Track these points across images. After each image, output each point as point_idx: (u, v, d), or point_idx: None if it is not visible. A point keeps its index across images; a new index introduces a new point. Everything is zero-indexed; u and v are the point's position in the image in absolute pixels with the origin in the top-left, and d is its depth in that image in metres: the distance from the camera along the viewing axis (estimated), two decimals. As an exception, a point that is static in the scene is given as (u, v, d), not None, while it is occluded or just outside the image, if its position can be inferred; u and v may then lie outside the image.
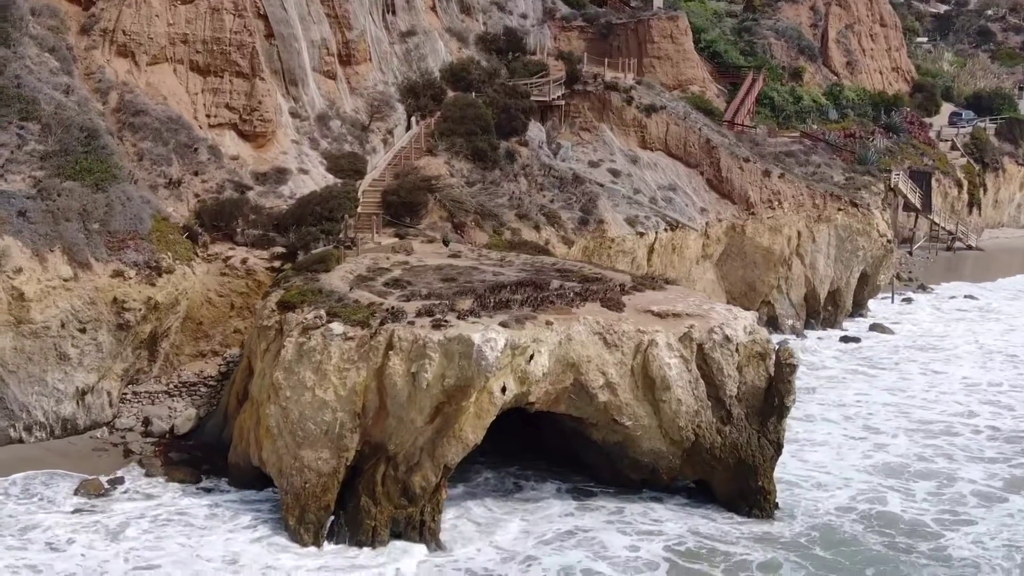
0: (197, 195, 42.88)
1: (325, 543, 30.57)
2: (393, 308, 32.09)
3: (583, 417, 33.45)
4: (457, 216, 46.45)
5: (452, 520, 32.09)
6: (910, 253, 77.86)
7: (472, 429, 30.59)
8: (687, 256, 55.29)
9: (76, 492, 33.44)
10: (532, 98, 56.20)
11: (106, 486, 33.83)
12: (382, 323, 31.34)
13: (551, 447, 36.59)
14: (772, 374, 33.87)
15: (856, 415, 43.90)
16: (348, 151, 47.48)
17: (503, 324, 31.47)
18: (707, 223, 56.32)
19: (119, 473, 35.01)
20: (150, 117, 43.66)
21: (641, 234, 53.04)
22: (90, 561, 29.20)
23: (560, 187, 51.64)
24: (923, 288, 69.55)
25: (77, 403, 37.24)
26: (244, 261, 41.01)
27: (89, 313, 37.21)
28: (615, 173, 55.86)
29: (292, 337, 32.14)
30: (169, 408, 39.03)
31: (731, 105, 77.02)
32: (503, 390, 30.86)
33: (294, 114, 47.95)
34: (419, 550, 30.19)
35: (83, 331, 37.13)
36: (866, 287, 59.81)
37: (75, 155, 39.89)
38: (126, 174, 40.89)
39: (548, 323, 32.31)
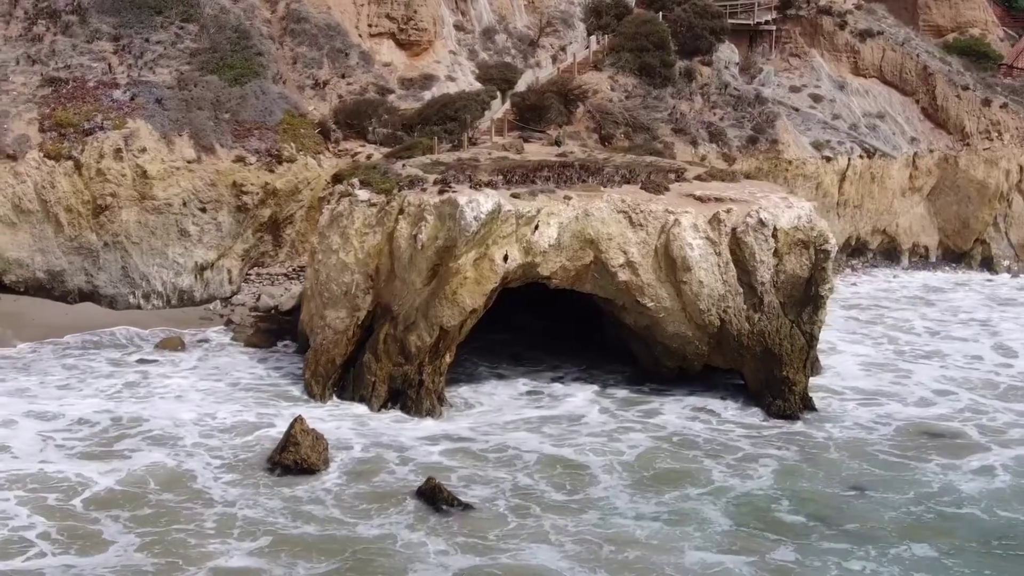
0: (340, 96, 45.13)
1: (333, 397, 31.82)
2: (413, 177, 32.83)
3: (612, 299, 32.87)
4: (605, 127, 46.25)
5: (462, 394, 32.60)
6: None
7: (470, 295, 30.87)
8: (888, 187, 52.22)
9: (156, 346, 36.42)
10: (735, 20, 54.67)
11: (185, 344, 36.55)
12: (400, 190, 32.17)
13: (611, 341, 36.07)
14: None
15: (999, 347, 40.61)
16: (501, 62, 48.29)
17: (514, 195, 31.54)
18: (916, 153, 52.85)
19: (208, 334, 37.74)
20: (310, 24, 46.37)
21: (828, 159, 50.61)
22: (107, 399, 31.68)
23: (735, 106, 50.16)
24: None
25: (196, 277, 40.33)
26: (369, 157, 42.77)
27: (210, 194, 40.25)
28: (816, 98, 53.53)
29: (329, 204, 33.59)
30: (285, 289, 41.49)
31: (1014, 50, 71.36)
32: (505, 258, 30.97)
33: (458, 27, 49.38)
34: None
35: (203, 210, 40.21)
36: (1105, 231, 54.07)
37: (222, 52, 43.13)
38: (272, 73, 43.71)
39: (567, 198, 32.02)
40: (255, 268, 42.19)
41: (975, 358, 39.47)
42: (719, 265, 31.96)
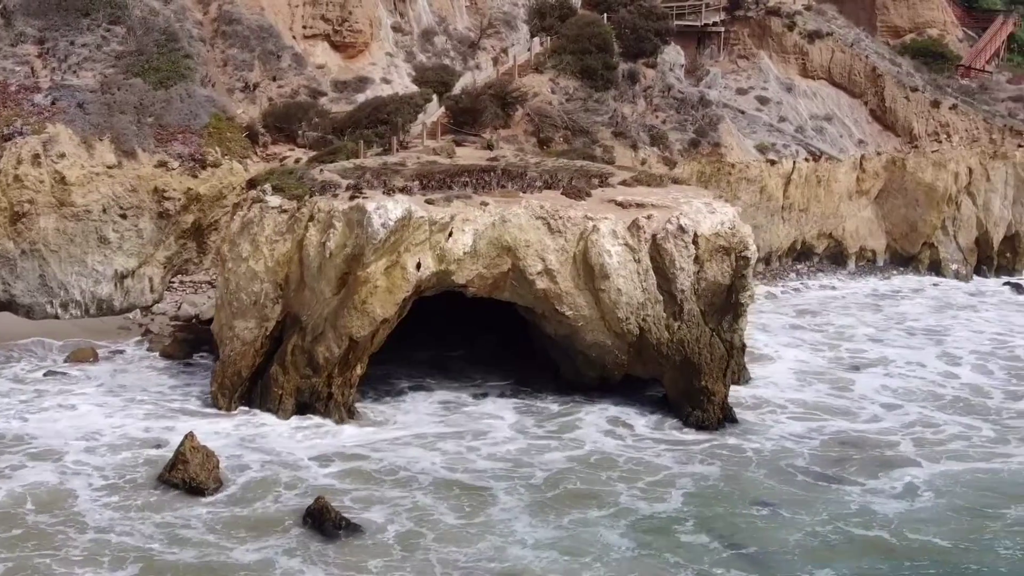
0: (271, 99, 44.14)
1: (239, 410, 30.84)
2: (327, 182, 31.88)
3: (531, 308, 31.98)
4: (544, 130, 45.34)
5: (375, 408, 31.63)
6: None
7: (381, 304, 29.94)
8: (835, 190, 51.41)
9: (67, 358, 35.33)
10: (682, 22, 53.89)
11: (97, 355, 35.46)
12: (311, 196, 31.21)
13: (539, 351, 35.15)
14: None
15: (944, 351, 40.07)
16: (438, 64, 47.39)
17: (429, 201, 30.63)
18: (863, 155, 52.10)
19: (123, 346, 36.68)
20: (242, 26, 45.33)
21: (773, 162, 49.84)
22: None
23: (678, 109, 49.36)
24: None
25: (115, 285, 39.17)
26: (297, 161, 41.79)
27: (131, 200, 39.13)
28: (763, 101, 52.76)
29: (241, 211, 32.61)
30: (209, 297, 40.41)
31: (972, 51, 70.74)
32: (418, 266, 30.05)
33: (396, 28, 48.44)
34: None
35: (124, 217, 39.09)
36: (1056, 234, 53.38)
37: (148, 55, 42.09)
38: (200, 75, 42.68)
39: (483, 204, 31.11)
40: (178, 276, 41.09)
41: (919, 367, 38.58)
42: (638, 272, 31.10)
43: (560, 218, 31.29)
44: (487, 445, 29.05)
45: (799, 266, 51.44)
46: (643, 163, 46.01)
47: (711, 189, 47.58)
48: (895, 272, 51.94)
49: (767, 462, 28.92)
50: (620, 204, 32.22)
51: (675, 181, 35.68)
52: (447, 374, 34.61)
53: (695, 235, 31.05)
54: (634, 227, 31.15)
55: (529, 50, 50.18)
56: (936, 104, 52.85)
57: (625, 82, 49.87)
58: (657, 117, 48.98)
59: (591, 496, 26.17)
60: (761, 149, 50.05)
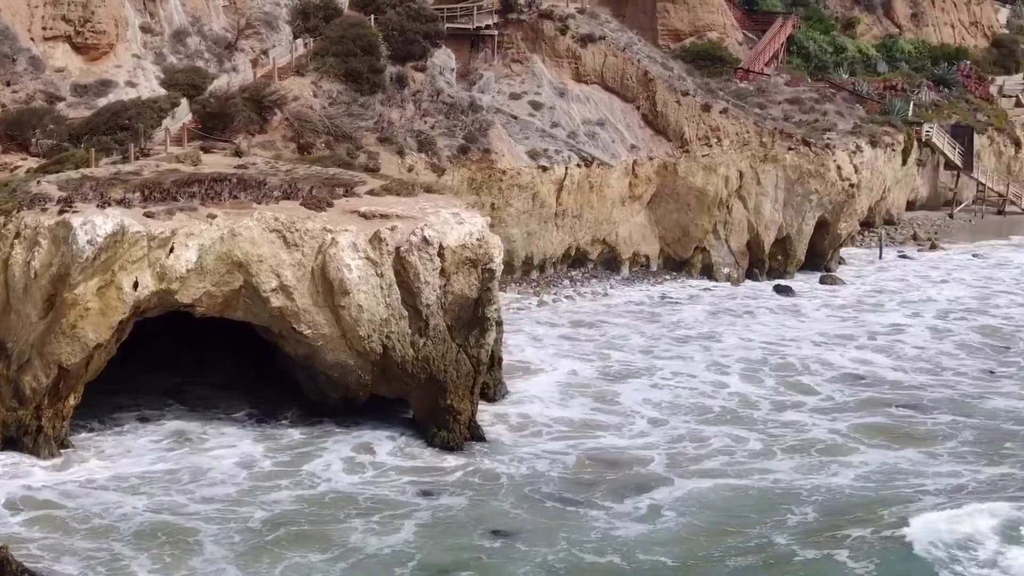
0: (4, 105, 40.88)
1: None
2: (38, 195, 29.21)
3: (269, 327, 29.91)
4: (304, 136, 43.22)
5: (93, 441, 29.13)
6: (950, 215, 70.50)
7: (94, 328, 27.49)
8: (608, 196, 50.65)
9: None
10: (454, 25, 52.44)
11: None
12: (19, 211, 28.50)
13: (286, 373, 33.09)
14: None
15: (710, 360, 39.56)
16: (190, 66, 44.83)
17: (148, 214, 28.28)
18: (635, 161, 51.52)
19: None
20: (-28, 27, 41.93)
21: (545, 168, 48.77)
22: None
23: (447, 114, 47.88)
24: (933, 247, 62.54)
25: None
26: (29, 170, 38.70)
27: None
28: (536, 106, 51.68)
29: (-56, 227, 29.60)
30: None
31: (751, 53, 71.41)
32: (135, 286, 27.66)
33: (146, 28, 45.67)
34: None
35: None
36: (826, 236, 53.64)
37: None
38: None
39: (211, 216, 28.91)
40: None
41: (689, 377, 37.87)
42: (381, 287, 29.38)
43: (297, 230, 29.35)
44: (205, 485, 26.82)
45: (573, 272, 50.54)
46: (410, 170, 44.39)
47: (482, 196, 46.61)
48: (668, 277, 51.49)
49: (516, 487, 27.56)
50: (363, 215, 30.47)
51: (428, 190, 34.02)
52: (185, 402, 32.25)
53: (441, 247, 29.52)
54: (376, 239, 29.43)
55: (292, 52, 48.05)
56: (707, 108, 52.65)
57: (393, 86, 48.17)
58: (426, 122, 47.39)
59: (317, 537, 24.27)
60: (533, 155, 48.95)
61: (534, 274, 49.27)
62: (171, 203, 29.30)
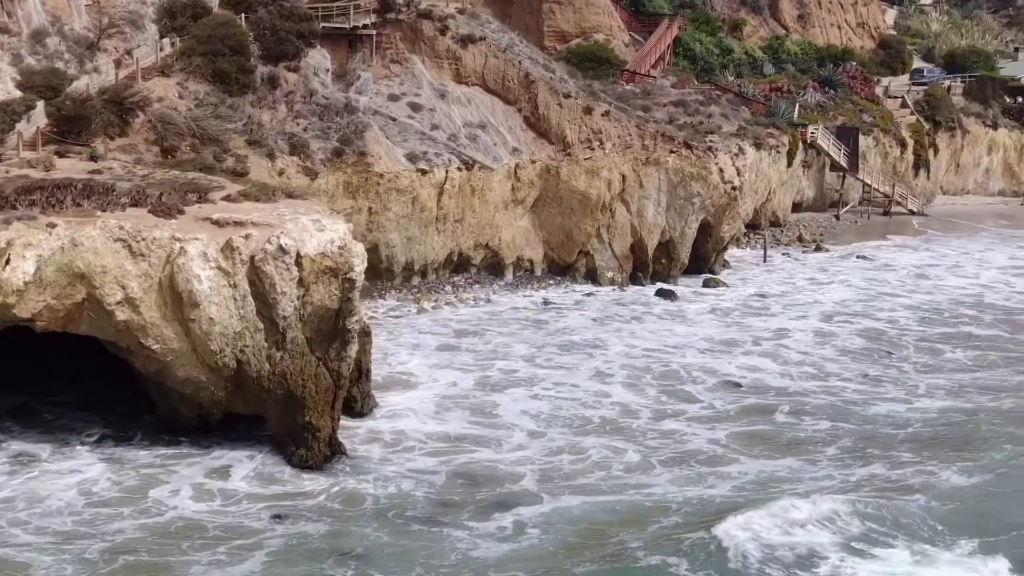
0: None
1: None
2: None
3: (116, 342, 28.21)
4: (168, 139, 41.43)
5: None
6: (837, 217, 70.67)
7: (-78, 345, 25.57)
8: (490, 200, 49.60)
9: None
10: (330, 24, 50.96)
11: None
12: None
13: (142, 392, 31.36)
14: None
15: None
16: (48, 68, 42.74)
17: (-19, 223, 26.44)
18: (517, 164, 50.47)
19: None
20: None
21: (424, 171, 47.49)
22: None
23: (321, 116, 46.42)
24: (818, 249, 62.47)
25: None
26: None
27: None
28: (415, 107, 50.35)
29: None
30: None
31: (638, 55, 70.94)
32: (-33, 300, 25.81)
33: (3, 29, 43.42)
34: None
35: None
36: (710, 239, 53.11)
37: None
38: None
39: (51, 225, 27.14)
40: None
41: (571, 387, 36.76)
42: (235, 299, 27.83)
43: (143, 240, 27.69)
44: (41, 514, 25.08)
45: (456, 278, 49.38)
46: (281, 173, 42.96)
47: (359, 200, 45.24)
48: (552, 282, 50.58)
49: (379, 509, 26.24)
50: (216, 222, 28.88)
51: (290, 195, 32.47)
52: (32, 423, 30.35)
53: (299, 255, 28.08)
54: (228, 248, 27.87)
55: (158, 52, 46.20)
56: (589, 111, 51.80)
57: (264, 87, 46.69)
58: (298, 124, 45.91)
59: (157, 570, 22.72)
60: (412, 158, 47.67)
61: (415, 280, 48.02)
62: (8, 212, 27.45)
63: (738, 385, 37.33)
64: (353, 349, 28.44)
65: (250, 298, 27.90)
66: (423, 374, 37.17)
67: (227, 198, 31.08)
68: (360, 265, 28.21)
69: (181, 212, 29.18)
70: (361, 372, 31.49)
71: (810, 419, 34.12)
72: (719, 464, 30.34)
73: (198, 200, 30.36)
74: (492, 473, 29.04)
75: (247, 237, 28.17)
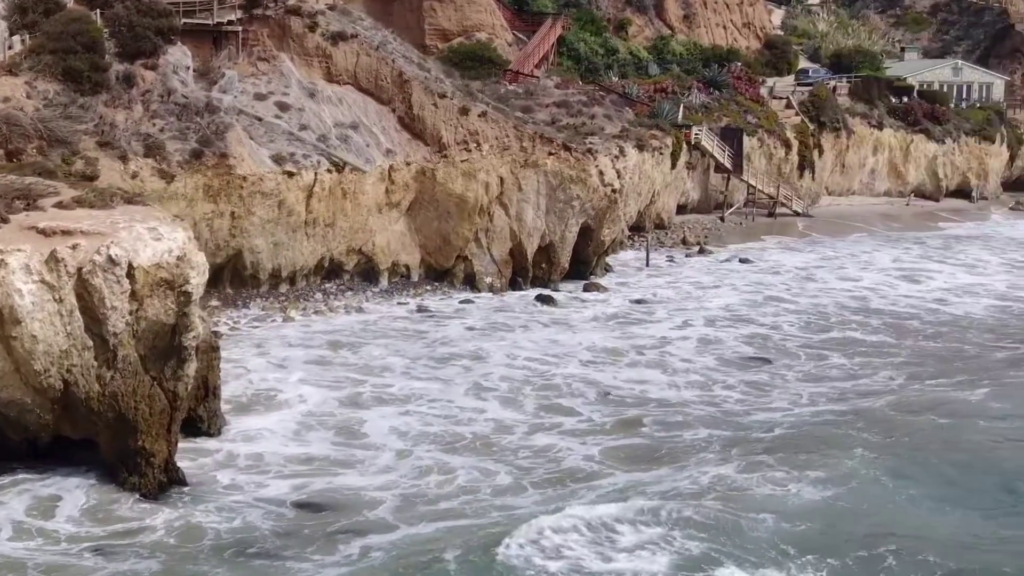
0: None
1: None
2: None
3: (-69, 362, 25.74)
4: (13, 141, 38.83)
5: None
6: (721, 219, 69.90)
7: None
8: (363, 203, 47.59)
9: None
10: (193, 20, 48.58)
11: None
12: None
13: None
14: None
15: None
16: None
17: None
18: (391, 166, 48.54)
19: None
20: None
21: (291, 174, 45.33)
22: None
23: (180, 116, 44.06)
24: (702, 251, 61.52)
25: None
26: None
27: None
28: (283, 107, 48.13)
29: None
30: None
31: (520, 54, 69.38)
32: None
33: None
34: None
35: None
36: (591, 242, 51.69)
37: None
38: None
39: None
40: None
41: (446, 403, 34.77)
42: (60, 314, 25.53)
43: (-41, 251, 25.25)
44: None
45: (328, 285, 47.31)
46: (134, 176, 40.67)
47: (220, 204, 43.02)
48: (429, 288, 48.80)
49: (220, 544, 24.13)
50: (43, 231, 26.54)
51: (130, 201, 30.11)
52: None
53: (131, 267, 25.88)
54: (53, 260, 25.56)
55: (5, 50, 43.50)
56: (465, 111, 50.06)
57: (119, 85, 44.23)
58: (155, 125, 43.50)
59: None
60: (278, 160, 45.49)
61: (283, 288, 45.84)
62: None
63: (608, 395, 35.91)
64: (192, 367, 26.31)
65: (77, 313, 25.63)
66: (289, 391, 35.10)
67: (59, 205, 28.73)
68: (198, 277, 26.09)
69: (5, 221, 26.82)
70: (208, 390, 29.34)
71: (688, 431, 32.78)
72: (592, 479, 28.97)
73: (26, 207, 27.99)
74: (350, 500, 27.18)
75: (75, 247, 25.91)
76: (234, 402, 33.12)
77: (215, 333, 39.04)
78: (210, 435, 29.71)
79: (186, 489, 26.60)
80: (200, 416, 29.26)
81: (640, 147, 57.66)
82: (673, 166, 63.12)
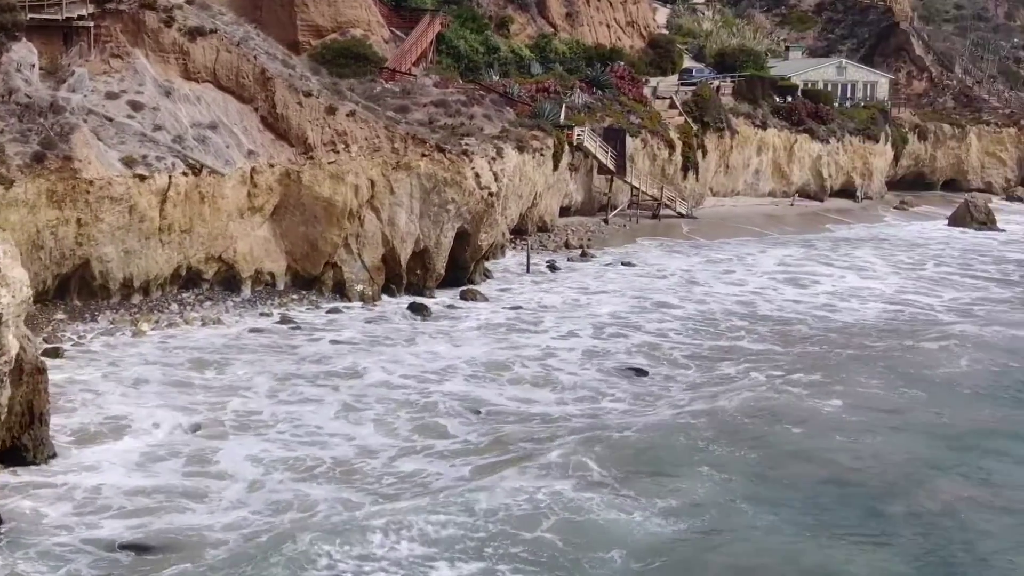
0: None
1: None
2: None
3: None
4: None
5: None
6: (605, 221, 68.19)
7: None
8: (222, 207, 44.71)
9: None
10: (40, 15, 45.21)
11: None
12: None
13: None
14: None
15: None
16: None
17: None
18: (254, 168, 45.71)
19: None
20: None
21: (143, 177, 42.31)
22: None
23: (22, 117, 40.87)
24: (584, 255, 59.67)
25: None
26: None
27: None
28: (136, 106, 45.04)
29: None
30: None
31: (397, 52, 66.86)
32: None
33: None
34: None
35: None
36: (468, 247, 49.42)
37: None
38: None
39: None
40: None
41: (314, 428, 32.14)
42: None
43: None
44: None
45: (185, 295, 44.37)
46: (-34, 182, 37.25)
47: (65, 210, 40.04)
48: (296, 296, 46.06)
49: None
50: None
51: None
52: None
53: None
54: None
55: None
56: (332, 110, 47.41)
57: (-46, 84, 40.79)
58: (-9, 127, 40.16)
59: None
60: (129, 162, 42.46)
61: (136, 298, 42.78)
62: None
63: (479, 412, 33.85)
64: (3, 394, 23.40)
65: None
66: (141, 416, 32.25)
67: None
68: (11, 296, 23.20)
69: None
70: (33, 416, 26.45)
71: (563, 446, 30.76)
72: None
73: None
74: (191, 541, 24.61)
75: None
76: (81, 431, 30.33)
77: (54, 351, 36.34)
78: (36, 464, 26.78)
79: (2, 530, 23.69)
80: (25, 445, 26.36)
81: (520, 148, 55.54)
82: (555, 168, 61.17)
